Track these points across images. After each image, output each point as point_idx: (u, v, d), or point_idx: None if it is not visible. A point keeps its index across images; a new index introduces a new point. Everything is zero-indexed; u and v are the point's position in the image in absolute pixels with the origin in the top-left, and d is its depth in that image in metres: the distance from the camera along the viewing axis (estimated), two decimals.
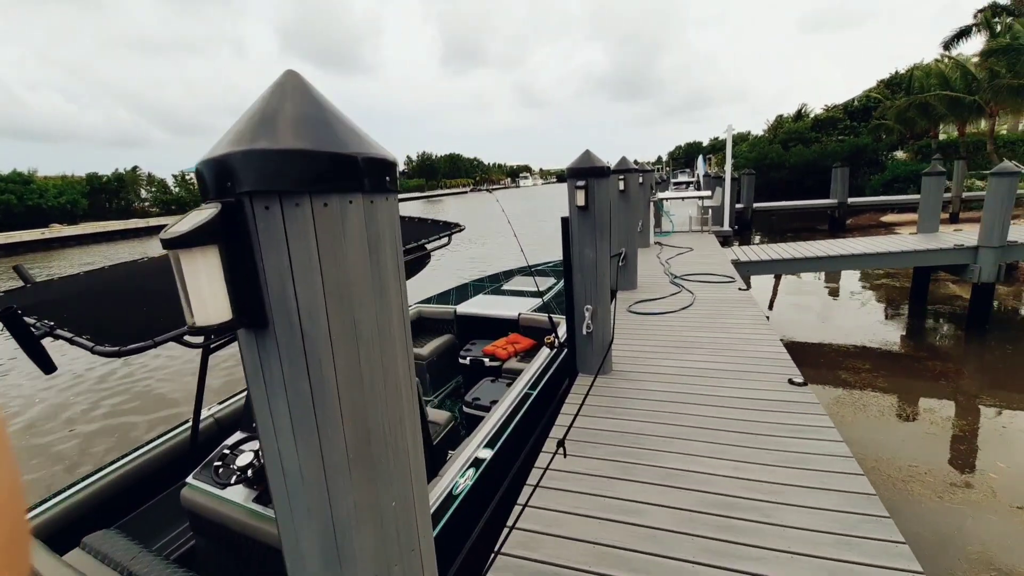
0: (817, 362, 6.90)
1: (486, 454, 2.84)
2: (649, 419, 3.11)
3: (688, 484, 2.47)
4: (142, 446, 2.92)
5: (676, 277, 6.78)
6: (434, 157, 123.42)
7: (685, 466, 2.64)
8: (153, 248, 31.37)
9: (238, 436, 2.63)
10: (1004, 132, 27.06)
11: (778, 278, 10.89)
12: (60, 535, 2.35)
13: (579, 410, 2.88)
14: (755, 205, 18.71)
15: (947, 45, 25.97)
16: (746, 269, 8.10)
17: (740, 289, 6.02)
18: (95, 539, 2.10)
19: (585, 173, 3.50)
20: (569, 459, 2.75)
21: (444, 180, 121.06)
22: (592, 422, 3.12)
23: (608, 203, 3.60)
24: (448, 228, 3.09)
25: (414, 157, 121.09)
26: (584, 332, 3.73)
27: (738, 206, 14.71)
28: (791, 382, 3.46)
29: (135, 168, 55.97)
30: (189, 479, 2.29)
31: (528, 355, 5.05)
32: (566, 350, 4.04)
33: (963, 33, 25.28)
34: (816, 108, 40.95)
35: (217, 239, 0.81)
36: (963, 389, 5.83)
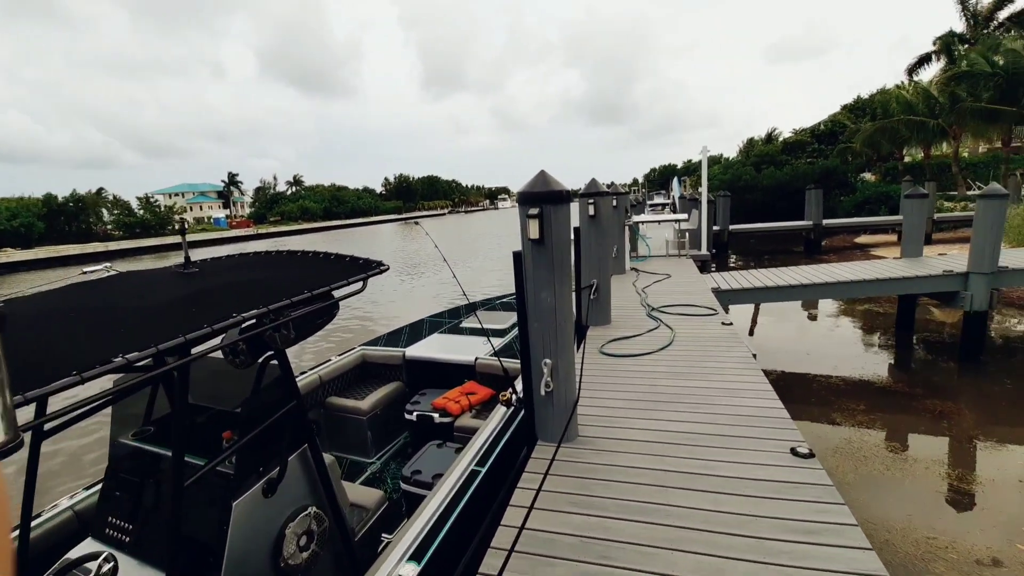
0: (806, 399, 6.33)
1: (430, 543, 2.22)
2: (622, 512, 2.41)
3: None
4: None
5: (653, 309, 6.18)
6: (411, 179, 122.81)
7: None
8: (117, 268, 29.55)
9: (88, 546, 1.99)
10: (966, 155, 27.78)
11: (758, 304, 10.42)
12: None
13: (533, 501, 2.19)
14: (731, 227, 18.48)
15: (910, 71, 26.70)
16: (727, 298, 7.56)
17: (724, 324, 5.42)
18: None
19: (540, 199, 2.85)
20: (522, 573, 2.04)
21: (422, 202, 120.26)
22: (550, 518, 2.41)
23: (568, 235, 2.95)
24: (366, 268, 2.40)
25: (392, 179, 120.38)
26: (542, 392, 3.04)
27: (714, 228, 14.36)
28: (795, 453, 2.81)
29: (100, 190, 53.93)
30: None
31: (487, 407, 4.33)
32: (522, 413, 3.34)
33: (923, 60, 26.05)
34: (785, 132, 41.90)
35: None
36: (967, 432, 5.28)
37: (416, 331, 5.78)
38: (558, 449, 2.94)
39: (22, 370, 1.10)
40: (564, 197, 2.88)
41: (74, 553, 2.02)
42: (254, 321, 1.72)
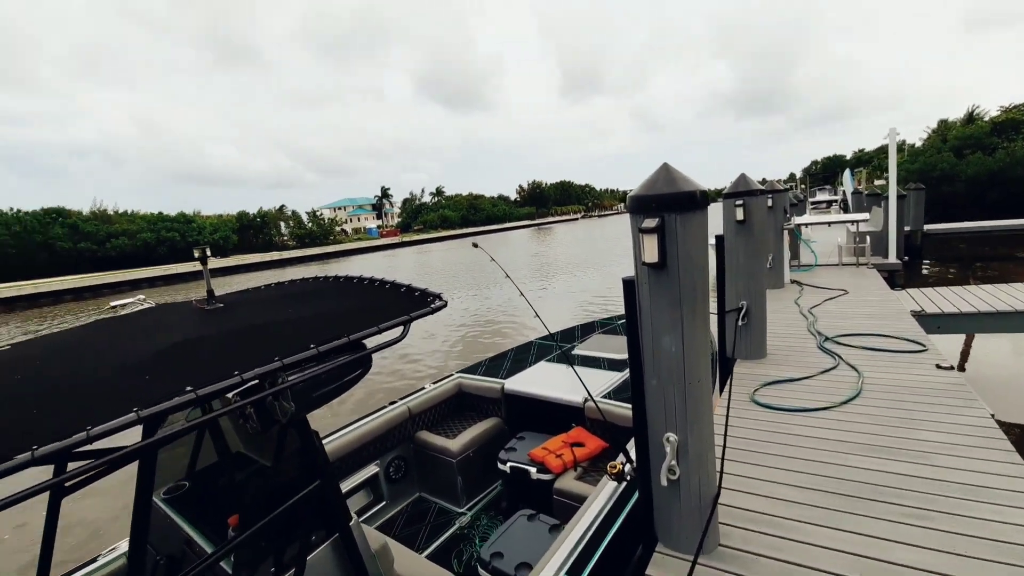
0: None
1: None
2: None
3: None
4: None
5: (827, 339, 4.71)
6: (544, 185, 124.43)
7: None
8: (288, 275, 33.92)
9: None
10: None
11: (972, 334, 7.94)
12: None
13: None
14: (926, 227, 14.98)
15: None
16: (933, 324, 5.65)
17: (941, 367, 3.84)
18: None
19: (661, 204, 1.91)
20: None
21: (554, 207, 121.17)
22: None
23: (704, 253, 1.97)
24: (422, 302, 1.75)
25: (525, 185, 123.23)
26: (664, 481, 2.09)
27: (905, 229, 11.59)
28: None
29: (281, 207, 63.38)
30: None
31: (597, 465, 3.45)
32: (637, 494, 2.41)
33: None
34: (991, 110, 33.68)
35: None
36: None
37: (521, 356, 5.06)
38: (694, 565, 1.97)
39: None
40: (698, 200, 1.91)
41: None
42: (256, 382, 1.32)
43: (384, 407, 3.95)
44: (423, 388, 4.47)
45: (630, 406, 3.21)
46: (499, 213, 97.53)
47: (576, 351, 4.94)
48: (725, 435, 2.43)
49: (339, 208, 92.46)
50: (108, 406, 1.04)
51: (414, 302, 1.78)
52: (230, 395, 1.31)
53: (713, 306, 2.33)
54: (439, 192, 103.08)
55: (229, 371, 1.23)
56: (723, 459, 2.27)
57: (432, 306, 1.77)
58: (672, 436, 2.05)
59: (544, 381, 4.27)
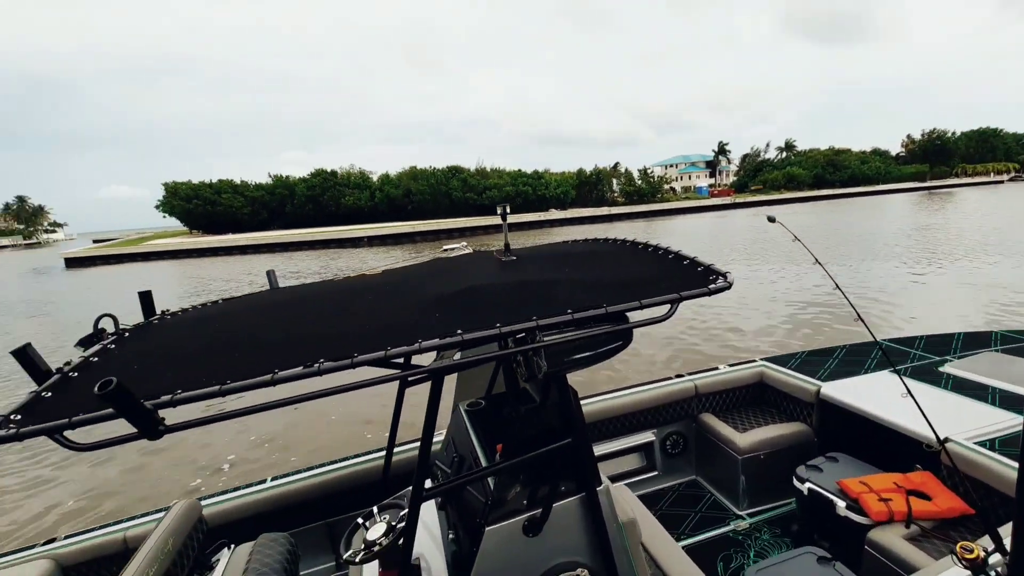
0: None
1: None
2: None
3: None
4: (336, 462, 2.93)
5: None
6: (949, 135, 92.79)
7: None
8: (615, 230, 36.29)
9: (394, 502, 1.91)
10: None
11: None
12: (242, 526, 2.61)
13: None
14: None
15: None
16: None
17: None
18: (266, 539, 2.19)
19: None
20: None
21: (961, 165, 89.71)
22: None
23: None
24: (701, 279, 1.56)
25: (918, 136, 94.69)
26: None
27: None
28: None
29: (616, 165, 67.24)
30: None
31: (944, 531, 2.44)
32: None
33: None
34: None
35: None
36: None
37: (855, 358, 3.88)
38: None
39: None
40: None
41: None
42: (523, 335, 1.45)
43: (669, 378, 3.78)
44: (716, 368, 4.00)
45: (1013, 472, 2.11)
46: (869, 172, 78.55)
47: (946, 368, 3.51)
48: None
49: (670, 166, 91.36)
50: (418, 333, 1.31)
51: (691, 278, 1.57)
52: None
53: None
54: (788, 147, 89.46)
55: (501, 319, 1.36)
56: None
57: (709, 287, 1.50)
58: None
59: (883, 397, 3.17)
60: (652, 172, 65.44)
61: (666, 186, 68.71)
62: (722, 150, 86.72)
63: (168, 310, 1.90)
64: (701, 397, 3.74)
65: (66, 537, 2.60)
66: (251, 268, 29.04)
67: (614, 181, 64.30)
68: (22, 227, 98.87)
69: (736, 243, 24.88)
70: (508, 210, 2.08)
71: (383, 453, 2.78)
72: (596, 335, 1.45)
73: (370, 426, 6.40)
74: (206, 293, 21.07)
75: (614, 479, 2.06)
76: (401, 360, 1.29)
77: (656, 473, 3.64)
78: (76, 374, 1.33)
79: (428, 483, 2.20)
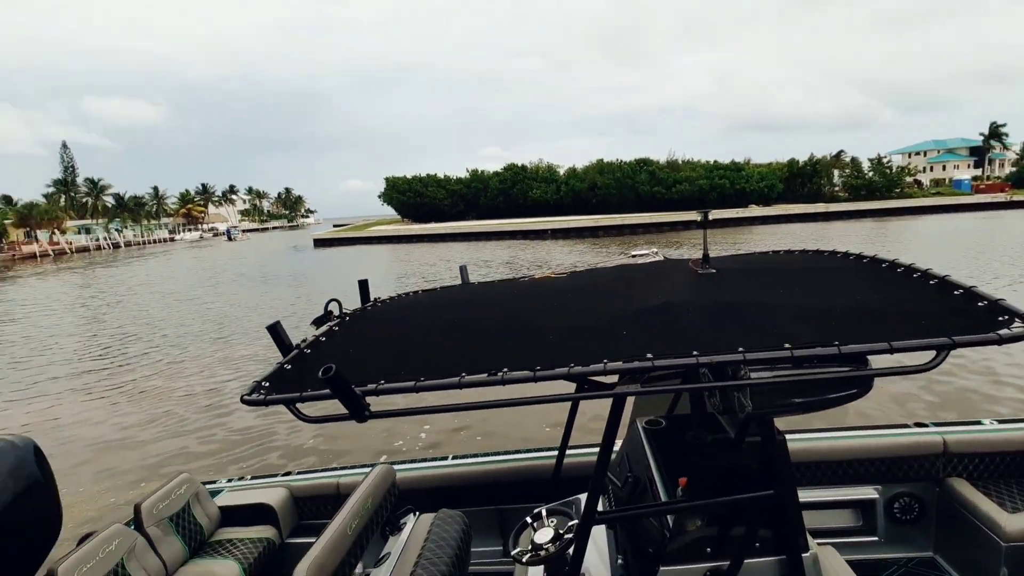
0: None
1: None
2: None
3: None
4: (509, 453, 3.09)
5: None
6: None
7: None
8: (831, 230, 30.93)
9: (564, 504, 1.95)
10: None
11: None
12: (425, 496, 2.82)
13: None
14: None
15: None
16: None
17: None
18: (445, 514, 2.30)
19: None
20: None
21: None
22: None
23: None
24: (977, 320, 1.21)
25: None
26: None
27: None
28: None
29: (839, 152, 57.34)
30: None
31: None
32: None
33: None
34: None
35: None
36: None
37: None
38: None
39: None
40: None
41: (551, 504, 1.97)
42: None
43: (906, 425, 3.18)
44: (978, 423, 3.12)
45: None
46: None
47: None
48: None
49: (917, 153, 74.41)
50: (604, 350, 1.27)
51: (964, 314, 1.22)
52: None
53: None
54: None
55: (699, 346, 1.22)
56: None
57: (1000, 332, 1.10)
58: None
59: None
60: (889, 161, 53.78)
61: (908, 178, 56.38)
62: (994, 133, 67.23)
63: (379, 298, 2.14)
64: (951, 456, 3.02)
65: (298, 472, 3.26)
66: (448, 255, 33.15)
67: (835, 173, 54.95)
68: (287, 212, 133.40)
69: (1018, 256, 19.21)
70: (708, 216, 1.96)
71: (554, 453, 2.80)
72: (821, 377, 1.22)
73: (536, 420, 6.53)
74: (409, 275, 25.64)
75: (815, 534, 1.71)
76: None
77: (875, 539, 3.03)
78: (309, 351, 1.59)
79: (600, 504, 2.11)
